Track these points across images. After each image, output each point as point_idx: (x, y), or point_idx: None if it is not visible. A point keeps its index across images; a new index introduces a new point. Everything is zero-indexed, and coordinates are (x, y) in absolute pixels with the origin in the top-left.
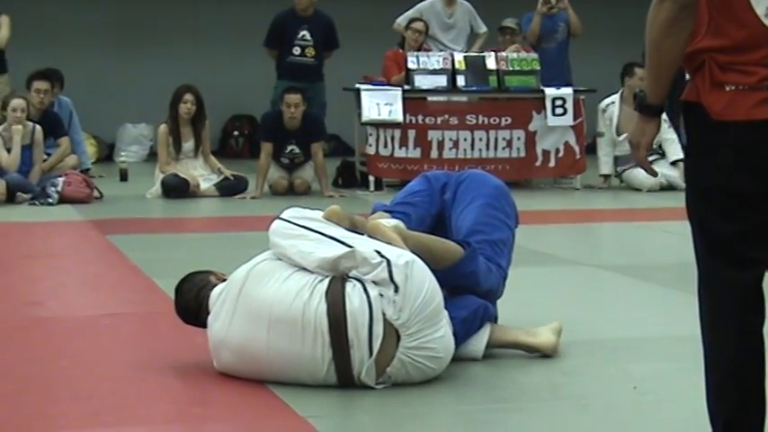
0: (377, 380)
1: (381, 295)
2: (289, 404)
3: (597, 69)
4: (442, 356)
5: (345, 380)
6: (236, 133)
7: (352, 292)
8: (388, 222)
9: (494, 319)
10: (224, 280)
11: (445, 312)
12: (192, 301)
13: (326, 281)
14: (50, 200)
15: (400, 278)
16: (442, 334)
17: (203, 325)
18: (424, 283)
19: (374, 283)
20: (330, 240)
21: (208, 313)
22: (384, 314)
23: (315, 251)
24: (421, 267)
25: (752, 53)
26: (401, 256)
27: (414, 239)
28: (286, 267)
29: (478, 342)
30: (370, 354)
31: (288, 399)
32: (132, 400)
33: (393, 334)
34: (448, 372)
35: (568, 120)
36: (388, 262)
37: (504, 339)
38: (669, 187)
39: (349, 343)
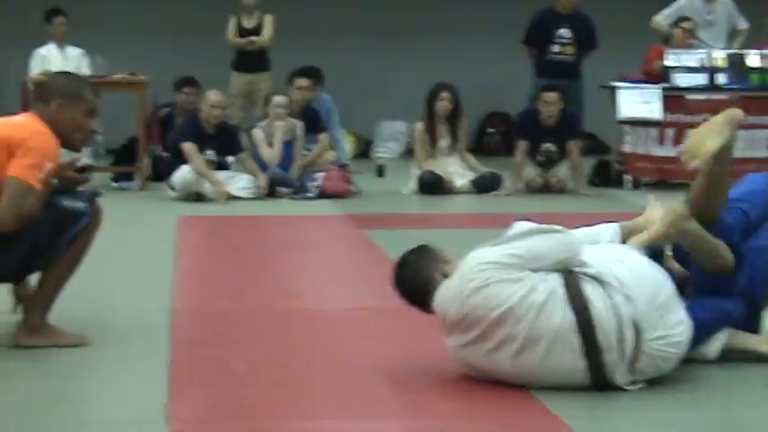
0: (629, 379)
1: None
2: (544, 404)
3: None
4: (683, 340)
5: (599, 383)
6: (491, 130)
7: (593, 295)
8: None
9: (739, 324)
10: (447, 269)
11: (679, 300)
12: (414, 295)
13: (559, 282)
14: (310, 194)
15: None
16: (682, 318)
17: (424, 310)
18: (646, 272)
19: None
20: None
21: (428, 307)
22: (630, 314)
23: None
24: (637, 259)
25: None
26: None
27: (689, 231)
28: (502, 283)
29: (714, 342)
30: (623, 357)
31: (544, 398)
32: (383, 394)
33: (633, 329)
34: (690, 374)
35: None
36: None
37: (739, 346)
38: None
39: (600, 347)
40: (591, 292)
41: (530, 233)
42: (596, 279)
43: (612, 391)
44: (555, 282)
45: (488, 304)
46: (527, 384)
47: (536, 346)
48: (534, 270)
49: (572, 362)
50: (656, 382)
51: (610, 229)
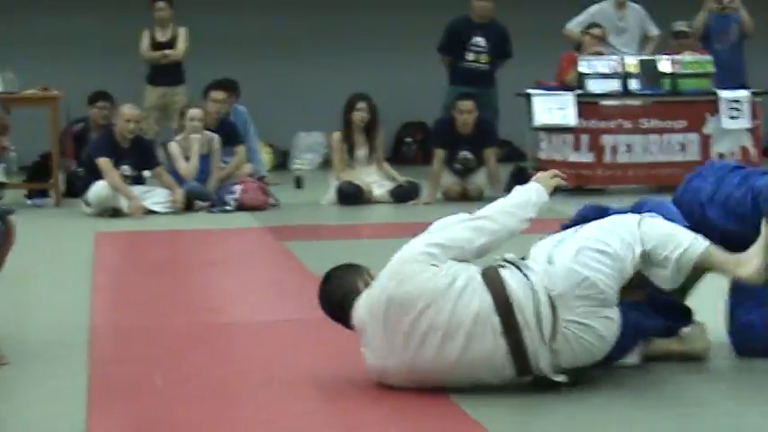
0: (552, 362)
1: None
2: (476, 418)
3: None
4: (607, 336)
5: (523, 369)
6: (408, 140)
7: (511, 278)
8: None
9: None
10: (371, 281)
11: (617, 308)
12: (335, 307)
13: (477, 270)
14: (228, 207)
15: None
16: (612, 317)
17: (346, 325)
18: (579, 261)
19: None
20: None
21: (349, 321)
22: (546, 290)
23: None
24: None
25: None
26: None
27: None
28: (426, 273)
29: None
30: (543, 337)
31: (476, 413)
32: (312, 406)
33: (550, 307)
34: (622, 380)
35: (744, 122)
36: None
37: (657, 350)
38: None
39: (518, 325)
40: (508, 275)
41: (449, 224)
42: (514, 264)
43: (536, 396)
44: (474, 270)
45: (413, 296)
46: (450, 382)
47: (457, 334)
48: (459, 260)
49: (492, 343)
50: (577, 386)
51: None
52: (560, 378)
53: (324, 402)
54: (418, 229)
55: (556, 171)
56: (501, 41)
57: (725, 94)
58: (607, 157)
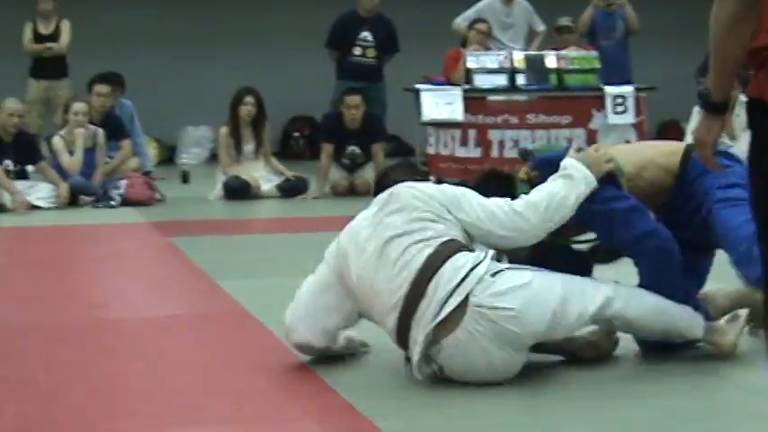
0: (428, 337)
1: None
2: (351, 403)
3: (658, 67)
4: (496, 366)
5: (402, 328)
6: (296, 134)
7: (463, 256)
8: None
9: None
10: None
11: (524, 353)
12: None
13: (446, 238)
14: (113, 202)
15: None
16: (512, 356)
17: None
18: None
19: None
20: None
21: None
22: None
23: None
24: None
25: None
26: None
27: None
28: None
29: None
30: (435, 317)
31: (351, 397)
32: (195, 401)
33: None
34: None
35: (629, 118)
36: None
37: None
38: None
39: (425, 292)
40: (464, 254)
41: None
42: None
43: (425, 390)
44: (451, 235)
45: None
46: (356, 299)
47: (387, 251)
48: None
49: (395, 283)
50: (448, 382)
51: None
52: (431, 370)
53: (210, 397)
54: (305, 224)
55: (609, 154)
56: (388, 36)
57: (610, 89)
58: (494, 152)
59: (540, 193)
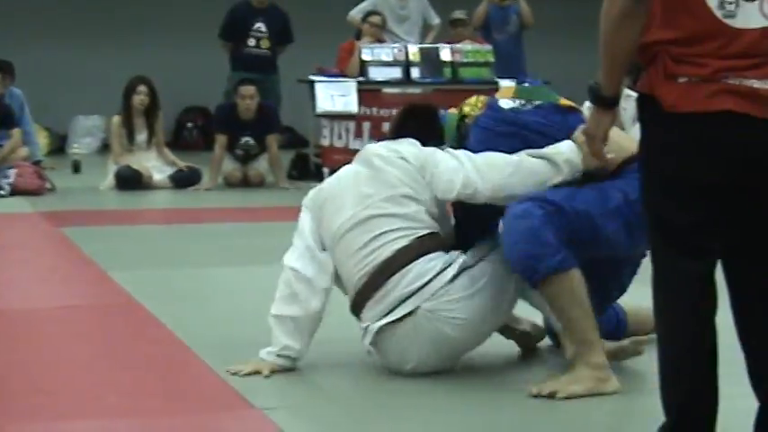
0: (376, 327)
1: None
2: (243, 395)
3: (552, 60)
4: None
5: (356, 304)
6: (189, 125)
7: (434, 258)
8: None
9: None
10: None
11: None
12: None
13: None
14: (2, 191)
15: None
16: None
17: None
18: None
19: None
20: None
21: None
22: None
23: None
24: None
25: (704, 45)
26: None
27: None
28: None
29: None
30: (388, 314)
31: (243, 389)
32: (86, 393)
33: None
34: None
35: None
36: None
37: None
38: None
39: (386, 284)
40: (438, 256)
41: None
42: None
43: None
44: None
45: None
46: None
47: (365, 227)
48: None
49: (362, 264)
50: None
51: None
52: (369, 348)
53: (101, 390)
54: (198, 215)
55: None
56: (282, 27)
57: (504, 83)
58: None
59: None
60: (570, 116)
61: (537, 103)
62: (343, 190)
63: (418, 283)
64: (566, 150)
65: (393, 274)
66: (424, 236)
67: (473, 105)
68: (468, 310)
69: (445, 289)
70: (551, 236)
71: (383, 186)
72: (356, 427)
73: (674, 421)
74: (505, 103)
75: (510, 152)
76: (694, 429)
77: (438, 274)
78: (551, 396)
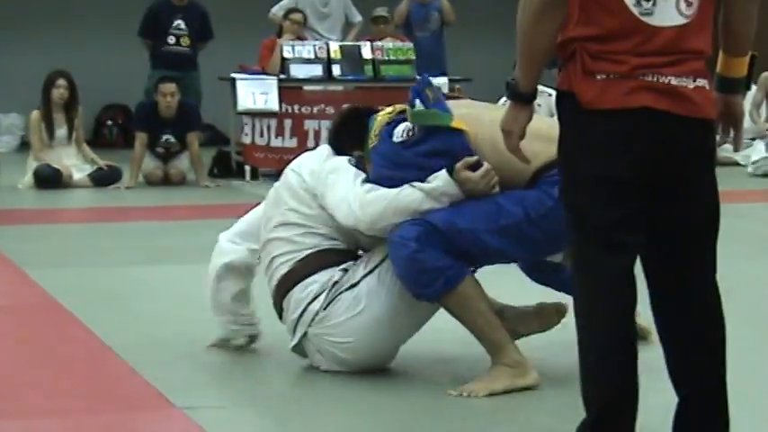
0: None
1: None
2: (165, 395)
3: (473, 58)
4: (352, 346)
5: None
6: (109, 123)
7: (309, 285)
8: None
9: None
10: None
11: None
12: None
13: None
14: None
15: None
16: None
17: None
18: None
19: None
20: None
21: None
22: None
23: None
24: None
25: (622, 42)
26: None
27: None
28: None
29: None
30: (291, 337)
31: (165, 389)
32: (4, 394)
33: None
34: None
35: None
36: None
37: (520, 328)
38: None
39: (283, 306)
40: (307, 285)
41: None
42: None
43: (237, 381)
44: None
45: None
46: None
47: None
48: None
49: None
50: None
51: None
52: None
53: (20, 390)
54: (119, 214)
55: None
56: (201, 24)
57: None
58: (310, 142)
59: (390, 195)
60: (456, 140)
61: (429, 126)
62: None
63: (297, 313)
64: (442, 185)
65: (282, 299)
66: (308, 256)
67: (388, 114)
68: (353, 332)
69: (323, 315)
70: (430, 259)
71: (277, 211)
72: (276, 427)
73: (595, 418)
74: (397, 135)
75: (402, 179)
76: (617, 425)
77: (312, 300)
78: (470, 395)
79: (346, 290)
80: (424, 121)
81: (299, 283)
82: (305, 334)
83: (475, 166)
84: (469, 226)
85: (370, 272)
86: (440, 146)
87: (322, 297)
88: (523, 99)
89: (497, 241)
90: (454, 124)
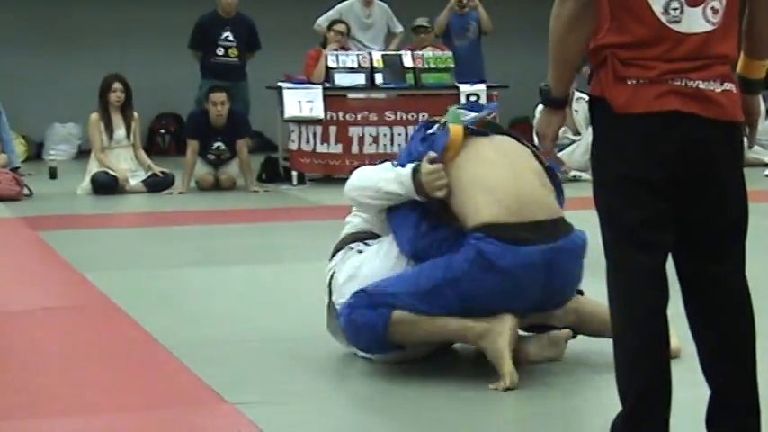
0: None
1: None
2: (217, 391)
3: (510, 66)
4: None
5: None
6: (162, 131)
7: (336, 256)
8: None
9: None
10: None
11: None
12: None
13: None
14: None
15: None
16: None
17: None
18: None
19: None
20: None
21: None
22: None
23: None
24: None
25: (651, 49)
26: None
27: None
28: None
29: None
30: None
31: (217, 386)
32: (65, 391)
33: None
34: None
35: (482, 114)
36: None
37: (532, 356)
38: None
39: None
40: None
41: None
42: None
43: (291, 379)
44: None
45: None
46: None
47: None
48: None
49: None
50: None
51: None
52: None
53: (79, 388)
54: (172, 218)
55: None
56: (249, 35)
57: (464, 87)
58: (354, 148)
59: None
60: (438, 138)
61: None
62: None
63: (326, 280)
64: (405, 172)
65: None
66: (345, 236)
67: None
68: (347, 295)
69: (336, 278)
70: (361, 318)
71: None
72: (323, 420)
73: (631, 409)
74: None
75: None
76: (651, 416)
77: (333, 269)
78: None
79: (354, 255)
80: (448, 117)
81: (332, 257)
82: (330, 304)
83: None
84: (393, 290)
85: (375, 243)
86: (430, 135)
87: (338, 263)
88: (556, 104)
89: (417, 302)
90: (455, 129)
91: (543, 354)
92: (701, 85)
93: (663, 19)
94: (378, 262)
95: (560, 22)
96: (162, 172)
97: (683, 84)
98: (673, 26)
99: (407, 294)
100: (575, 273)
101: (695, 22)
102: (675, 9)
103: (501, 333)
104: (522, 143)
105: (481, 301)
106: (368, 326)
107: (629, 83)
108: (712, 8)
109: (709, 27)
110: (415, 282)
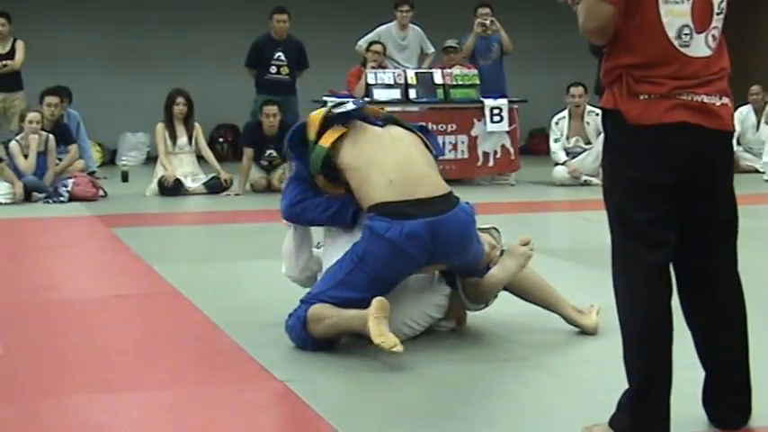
0: None
1: None
2: (268, 369)
3: (529, 83)
4: None
5: None
6: (221, 140)
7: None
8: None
9: None
10: None
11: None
12: None
13: None
14: (62, 198)
15: None
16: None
17: None
18: None
19: None
20: None
21: None
22: None
23: None
24: None
25: (663, 68)
26: None
27: None
28: None
29: None
30: None
31: (268, 364)
32: (136, 369)
33: None
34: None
35: (504, 126)
36: None
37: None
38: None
39: None
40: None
41: None
42: None
43: (341, 355)
44: None
45: None
46: None
47: None
48: None
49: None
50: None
51: None
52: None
53: (147, 366)
54: (230, 216)
55: None
56: (299, 55)
57: (488, 102)
58: None
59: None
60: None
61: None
62: None
63: None
64: None
65: None
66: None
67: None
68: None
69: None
70: (291, 327)
71: None
72: (365, 394)
73: (637, 387)
74: None
75: None
76: (655, 393)
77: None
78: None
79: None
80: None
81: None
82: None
83: None
84: (316, 290)
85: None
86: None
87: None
88: None
89: (337, 292)
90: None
91: (509, 269)
92: (705, 99)
93: (675, 43)
94: (334, 240)
95: (587, 30)
96: (225, 180)
97: (690, 98)
98: (683, 50)
99: (328, 289)
100: (463, 239)
101: (700, 48)
102: (686, 35)
103: (370, 314)
104: (414, 133)
105: (381, 271)
106: (292, 328)
107: (642, 98)
108: (713, 35)
109: (708, 52)
110: (333, 274)
